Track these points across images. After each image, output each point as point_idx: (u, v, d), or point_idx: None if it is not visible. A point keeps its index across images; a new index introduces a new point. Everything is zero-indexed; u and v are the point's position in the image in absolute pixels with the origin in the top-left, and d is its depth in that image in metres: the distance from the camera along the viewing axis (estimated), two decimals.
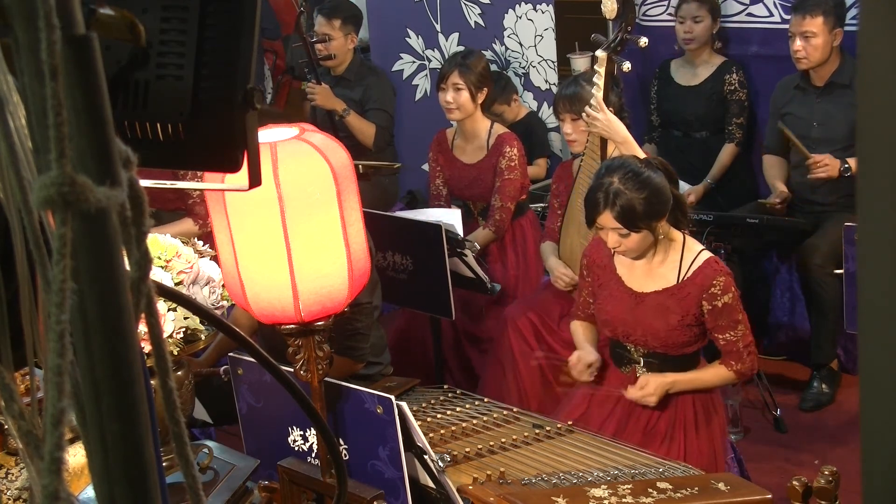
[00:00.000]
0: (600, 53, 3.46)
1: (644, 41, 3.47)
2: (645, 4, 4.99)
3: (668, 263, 2.86)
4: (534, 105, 5.23)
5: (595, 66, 3.51)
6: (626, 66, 3.42)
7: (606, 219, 2.76)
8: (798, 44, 4.10)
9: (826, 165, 4.05)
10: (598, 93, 3.43)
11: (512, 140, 4.10)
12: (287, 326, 2.06)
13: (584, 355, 2.98)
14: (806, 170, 4.24)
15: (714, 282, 2.77)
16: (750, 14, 4.69)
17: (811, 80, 4.22)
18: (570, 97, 3.66)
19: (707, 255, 2.85)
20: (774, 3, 4.61)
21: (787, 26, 4.33)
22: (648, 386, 2.81)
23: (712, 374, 2.88)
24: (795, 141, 4.17)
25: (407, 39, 5.53)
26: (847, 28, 4.12)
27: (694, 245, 2.88)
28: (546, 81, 5.18)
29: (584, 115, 3.46)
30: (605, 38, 3.51)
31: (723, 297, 2.78)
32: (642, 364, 2.90)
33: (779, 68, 4.47)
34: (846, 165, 4.06)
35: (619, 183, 2.74)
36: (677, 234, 2.88)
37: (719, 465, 2.87)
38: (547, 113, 5.15)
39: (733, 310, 2.80)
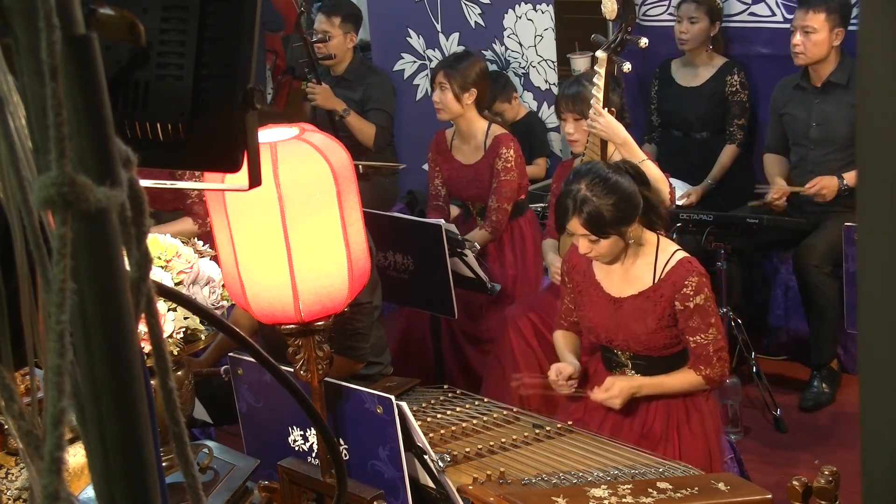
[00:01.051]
0: (600, 54, 3.46)
1: (644, 42, 3.47)
2: (645, 4, 4.99)
3: (643, 266, 2.85)
4: (534, 105, 5.23)
5: (595, 67, 3.51)
6: (627, 66, 3.42)
7: (575, 225, 2.76)
8: (797, 38, 4.09)
9: (823, 191, 4.07)
10: (598, 94, 3.43)
11: (508, 141, 4.11)
12: (287, 326, 2.06)
13: (562, 367, 2.93)
14: (805, 169, 4.25)
15: (686, 282, 2.75)
16: (752, 14, 4.69)
17: (811, 79, 4.22)
18: (572, 97, 3.67)
19: (681, 255, 2.83)
20: (777, 3, 4.60)
21: (789, 26, 4.33)
22: (613, 388, 2.79)
23: (680, 379, 2.84)
24: (791, 190, 4.19)
25: (408, 39, 5.53)
26: (847, 28, 4.11)
27: (668, 246, 2.86)
28: (546, 81, 5.18)
29: (588, 119, 3.46)
30: (605, 39, 3.51)
31: (695, 298, 2.75)
32: (630, 367, 2.89)
33: (781, 68, 4.46)
34: (844, 184, 4.07)
35: (586, 189, 2.73)
36: (651, 236, 2.86)
37: (714, 462, 2.86)
38: (547, 113, 5.15)
39: (706, 312, 2.77)
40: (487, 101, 4.36)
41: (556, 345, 3.12)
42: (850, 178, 4.09)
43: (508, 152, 4.07)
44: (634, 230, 2.79)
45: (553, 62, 5.13)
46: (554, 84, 5.11)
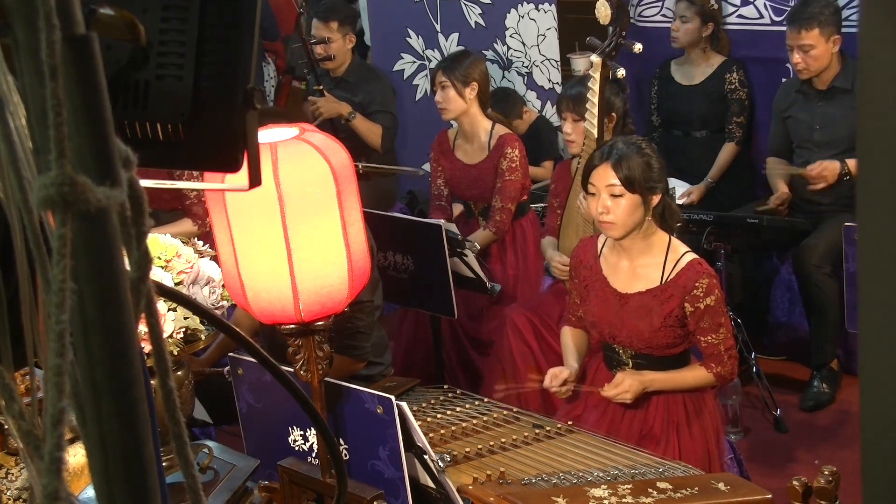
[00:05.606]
0: (595, 59, 3.49)
1: (638, 47, 3.50)
2: (641, 5, 4.99)
3: (652, 264, 2.85)
4: (538, 104, 5.24)
5: (590, 72, 3.53)
6: (621, 72, 3.45)
7: (603, 172, 2.78)
8: (797, 57, 4.10)
9: (824, 174, 4.06)
10: (593, 98, 3.46)
11: (513, 141, 4.11)
12: (287, 326, 2.06)
13: (558, 372, 2.91)
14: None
15: (697, 283, 2.76)
16: (741, 16, 4.70)
17: (813, 83, 4.22)
18: (574, 98, 3.68)
19: (691, 256, 2.83)
20: (765, 5, 4.61)
21: (777, 28, 4.33)
22: (623, 384, 2.79)
23: (691, 375, 2.86)
24: (793, 171, 4.19)
25: (407, 39, 5.53)
26: (845, 29, 4.11)
27: (679, 247, 2.87)
28: (549, 81, 5.19)
29: (586, 121, 3.49)
30: (600, 43, 3.54)
31: (705, 300, 2.76)
32: (631, 366, 2.89)
33: (771, 70, 4.48)
34: (845, 170, 4.06)
35: (620, 144, 2.82)
36: (663, 236, 2.87)
37: (714, 462, 2.86)
38: (551, 112, 5.16)
39: (716, 312, 2.78)
40: (490, 101, 4.36)
41: (563, 342, 3.11)
42: (852, 164, 4.08)
43: (513, 152, 4.07)
44: (648, 225, 2.80)
45: (556, 61, 5.14)
46: (557, 83, 5.12)
